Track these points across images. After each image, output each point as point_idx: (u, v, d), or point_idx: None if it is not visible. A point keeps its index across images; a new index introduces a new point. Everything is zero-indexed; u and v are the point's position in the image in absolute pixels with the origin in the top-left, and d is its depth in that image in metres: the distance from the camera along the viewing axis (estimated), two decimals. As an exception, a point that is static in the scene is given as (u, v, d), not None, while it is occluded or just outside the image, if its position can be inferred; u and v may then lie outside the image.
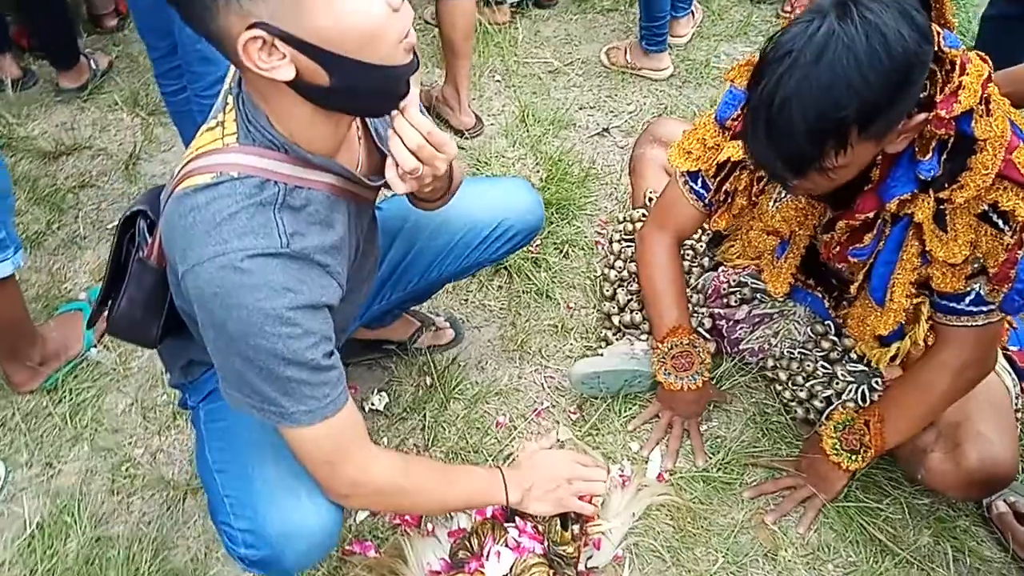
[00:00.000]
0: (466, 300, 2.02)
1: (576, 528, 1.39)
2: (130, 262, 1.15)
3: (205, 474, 1.25)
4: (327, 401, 1.03)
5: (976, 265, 1.22)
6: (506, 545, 1.39)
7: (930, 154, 1.14)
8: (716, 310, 1.78)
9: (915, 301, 1.32)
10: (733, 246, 1.79)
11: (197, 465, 1.33)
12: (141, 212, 1.16)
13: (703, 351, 1.63)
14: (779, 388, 1.72)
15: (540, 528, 1.40)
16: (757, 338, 1.74)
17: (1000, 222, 1.15)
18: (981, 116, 1.10)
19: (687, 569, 1.50)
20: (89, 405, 1.78)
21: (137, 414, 1.77)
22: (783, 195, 1.39)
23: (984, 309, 1.25)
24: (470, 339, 1.93)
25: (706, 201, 1.53)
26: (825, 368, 1.65)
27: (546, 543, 1.39)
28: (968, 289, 1.24)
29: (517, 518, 1.42)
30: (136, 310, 1.15)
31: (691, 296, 1.76)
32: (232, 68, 1.01)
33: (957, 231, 1.18)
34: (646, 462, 1.66)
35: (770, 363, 1.73)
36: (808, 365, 1.67)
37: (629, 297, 1.81)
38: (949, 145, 1.12)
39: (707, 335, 1.75)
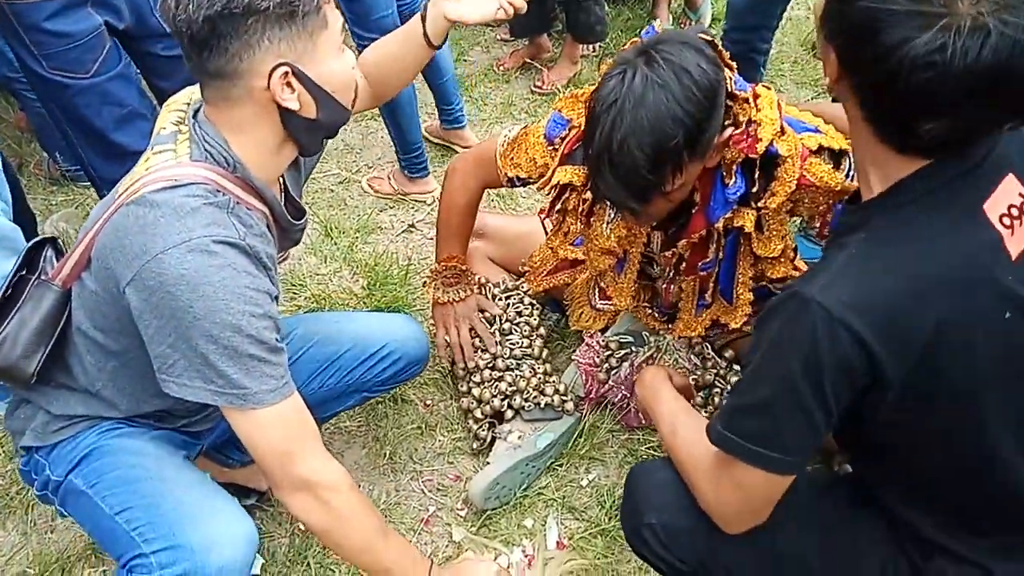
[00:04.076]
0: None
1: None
2: (26, 288, 1.21)
3: (104, 527, 1.24)
4: (283, 382, 1.14)
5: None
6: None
7: (733, 178, 1.36)
8: (607, 389, 1.78)
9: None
10: (583, 312, 1.88)
11: (92, 533, 1.31)
12: (50, 240, 1.28)
13: (469, 274, 1.85)
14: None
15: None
16: None
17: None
18: (780, 139, 1.32)
19: (613, 627, 1.51)
20: None
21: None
22: (613, 217, 1.55)
23: None
24: (335, 466, 1.83)
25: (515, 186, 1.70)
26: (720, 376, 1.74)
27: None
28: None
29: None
30: (24, 332, 1.19)
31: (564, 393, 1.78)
32: (171, 113, 1.20)
33: (771, 231, 1.45)
34: (545, 533, 1.67)
35: None
36: (708, 377, 1.74)
37: (484, 386, 1.80)
38: (758, 164, 1.34)
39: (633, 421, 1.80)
